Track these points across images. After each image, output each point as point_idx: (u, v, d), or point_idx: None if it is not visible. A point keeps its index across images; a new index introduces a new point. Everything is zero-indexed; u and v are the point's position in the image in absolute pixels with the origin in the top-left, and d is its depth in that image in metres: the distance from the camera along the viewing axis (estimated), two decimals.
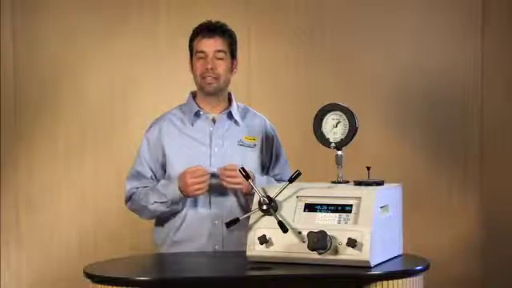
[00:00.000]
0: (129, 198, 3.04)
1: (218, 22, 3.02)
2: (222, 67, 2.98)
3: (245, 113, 3.11)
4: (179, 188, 2.88)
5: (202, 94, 3.03)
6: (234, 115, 3.04)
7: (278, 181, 3.07)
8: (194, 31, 3.03)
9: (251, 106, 3.19)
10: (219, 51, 2.98)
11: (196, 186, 2.86)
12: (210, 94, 3.01)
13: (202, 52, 2.97)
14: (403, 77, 4.31)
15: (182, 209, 2.97)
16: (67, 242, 4.21)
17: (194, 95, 3.08)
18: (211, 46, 2.97)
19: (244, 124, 3.07)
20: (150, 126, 3.08)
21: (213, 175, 2.91)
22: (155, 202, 2.94)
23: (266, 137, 3.09)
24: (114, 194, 4.02)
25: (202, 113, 3.03)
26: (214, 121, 3.03)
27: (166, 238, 3.01)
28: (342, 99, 2.81)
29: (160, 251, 3.03)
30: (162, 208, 2.95)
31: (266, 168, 3.10)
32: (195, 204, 2.97)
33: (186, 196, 2.90)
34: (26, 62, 4.21)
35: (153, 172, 3.03)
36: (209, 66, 2.96)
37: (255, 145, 3.05)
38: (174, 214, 2.98)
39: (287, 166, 3.14)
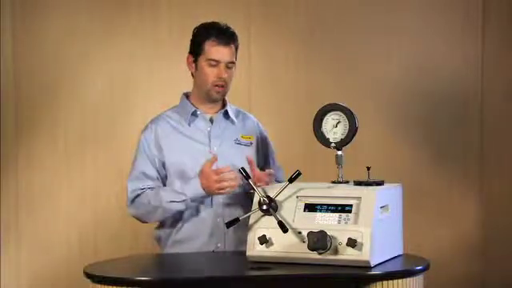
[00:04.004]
0: (132, 200, 2.99)
1: (229, 28, 3.00)
2: (230, 75, 2.99)
3: (237, 113, 3.12)
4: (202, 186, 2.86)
5: (204, 98, 3.01)
6: (230, 114, 3.06)
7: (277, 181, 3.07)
8: (205, 31, 2.98)
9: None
10: (232, 62, 2.98)
11: (225, 184, 2.83)
12: (216, 100, 3.02)
13: (215, 60, 2.95)
14: (403, 77, 4.31)
15: (186, 209, 2.95)
16: (67, 242, 4.21)
17: (186, 96, 3.08)
18: (226, 55, 2.96)
19: (239, 123, 3.08)
20: (146, 127, 3.05)
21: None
22: (172, 201, 2.90)
23: (261, 138, 3.12)
24: (114, 194, 4.03)
25: (199, 112, 3.03)
26: (211, 120, 3.03)
27: (168, 238, 3.00)
28: (342, 99, 2.82)
29: (162, 250, 3.02)
30: (179, 206, 2.90)
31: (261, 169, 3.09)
32: (196, 202, 2.95)
33: (209, 194, 2.88)
34: (26, 62, 4.21)
35: (157, 171, 3.00)
36: (224, 75, 2.95)
37: (251, 143, 3.07)
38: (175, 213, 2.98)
39: (281, 169, 3.16)
